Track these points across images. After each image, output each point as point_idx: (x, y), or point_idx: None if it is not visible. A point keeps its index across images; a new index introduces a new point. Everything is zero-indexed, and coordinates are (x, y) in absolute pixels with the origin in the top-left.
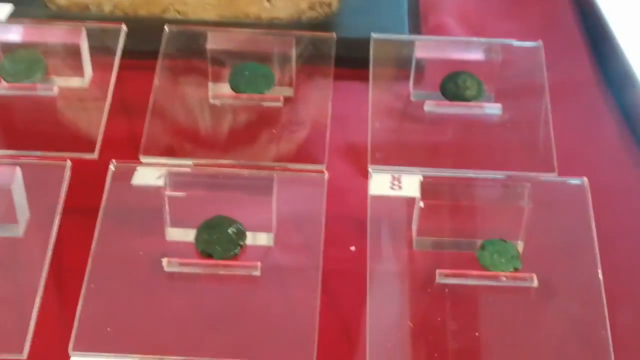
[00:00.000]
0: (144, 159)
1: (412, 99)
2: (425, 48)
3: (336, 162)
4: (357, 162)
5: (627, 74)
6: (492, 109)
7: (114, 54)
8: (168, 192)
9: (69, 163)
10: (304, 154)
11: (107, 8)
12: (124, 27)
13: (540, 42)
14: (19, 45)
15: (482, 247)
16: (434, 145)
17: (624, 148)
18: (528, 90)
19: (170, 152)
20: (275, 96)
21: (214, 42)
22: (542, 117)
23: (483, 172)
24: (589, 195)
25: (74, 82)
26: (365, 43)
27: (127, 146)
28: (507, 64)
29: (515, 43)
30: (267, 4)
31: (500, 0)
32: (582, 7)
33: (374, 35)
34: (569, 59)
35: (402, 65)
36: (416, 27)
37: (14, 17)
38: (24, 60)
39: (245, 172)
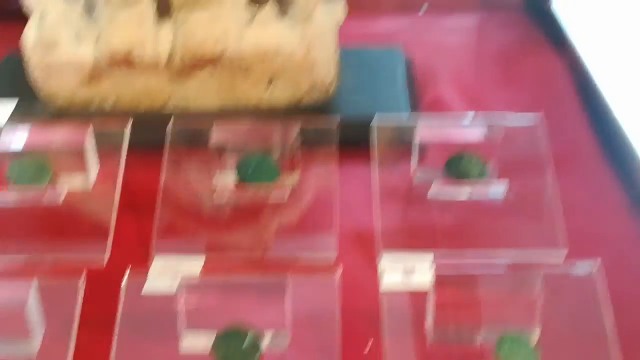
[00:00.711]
0: (156, 260)
1: (415, 181)
2: (427, 130)
3: (345, 248)
4: (366, 248)
5: (624, 142)
6: (498, 188)
7: (119, 150)
8: (181, 304)
9: (83, 276)
10: (313, 244)
11: (108, 104)
12: (129, 124)
13: (540, 115)
14: (25, 150)
15: (498, 347)
16: (441, 228)
17: (633, 219)
18: (532, 165)
19: (182, 249)
20: (281, 187)
21: (218, 135)
22: (548, 193)
23: (494, 252)
24: (604, 277)
25: (81, 182)
26: (364, 122)
27: (138, 245)
28: (509, 138)
29: (516, 117)
30: (266, 90)
31: (496, 70)
32: (577, 74)
33: (375, 122)
34: (568, 128)
35: (404, 147)
36: (414, 102)
37: (14, 118)
38: (30, 166)
39: (257, 277)
